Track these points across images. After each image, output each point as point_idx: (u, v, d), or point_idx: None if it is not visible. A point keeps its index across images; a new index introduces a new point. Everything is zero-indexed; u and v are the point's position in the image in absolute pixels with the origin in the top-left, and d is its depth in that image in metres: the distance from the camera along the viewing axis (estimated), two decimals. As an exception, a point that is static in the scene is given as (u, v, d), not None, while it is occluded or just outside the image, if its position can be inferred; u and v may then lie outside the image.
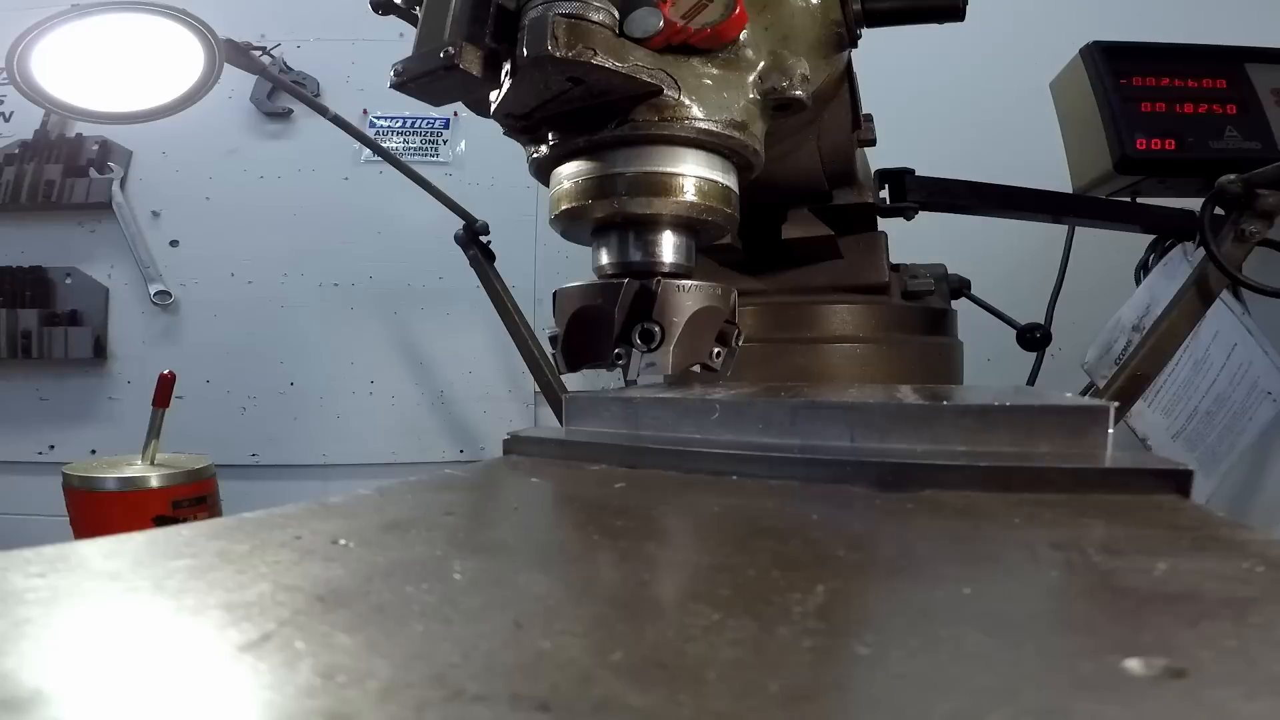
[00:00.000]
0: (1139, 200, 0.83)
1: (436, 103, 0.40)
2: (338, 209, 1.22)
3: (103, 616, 0.18)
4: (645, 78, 0.33)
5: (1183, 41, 0.79)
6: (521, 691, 0.14)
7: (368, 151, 1.13)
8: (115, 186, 1.18)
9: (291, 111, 1.20)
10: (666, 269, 0.37)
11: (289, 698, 0.13)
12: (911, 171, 0.74)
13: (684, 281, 0.36)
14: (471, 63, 0.34)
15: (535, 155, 0.38)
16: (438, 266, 1.00)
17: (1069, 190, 0.86)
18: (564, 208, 0.37)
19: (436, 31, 0.35)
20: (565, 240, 0.42)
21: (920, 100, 1.22)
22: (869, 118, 0.55)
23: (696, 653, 0.16)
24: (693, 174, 0.36)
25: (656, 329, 0.35)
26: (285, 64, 1.22)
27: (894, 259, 0.76)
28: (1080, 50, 0.81)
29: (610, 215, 0.36)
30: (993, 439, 0.31)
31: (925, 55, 1.21)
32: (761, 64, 0.38)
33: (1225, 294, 0.72)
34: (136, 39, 0.78)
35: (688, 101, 0.35)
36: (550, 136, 0.37)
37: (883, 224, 0.77)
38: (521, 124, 0.37)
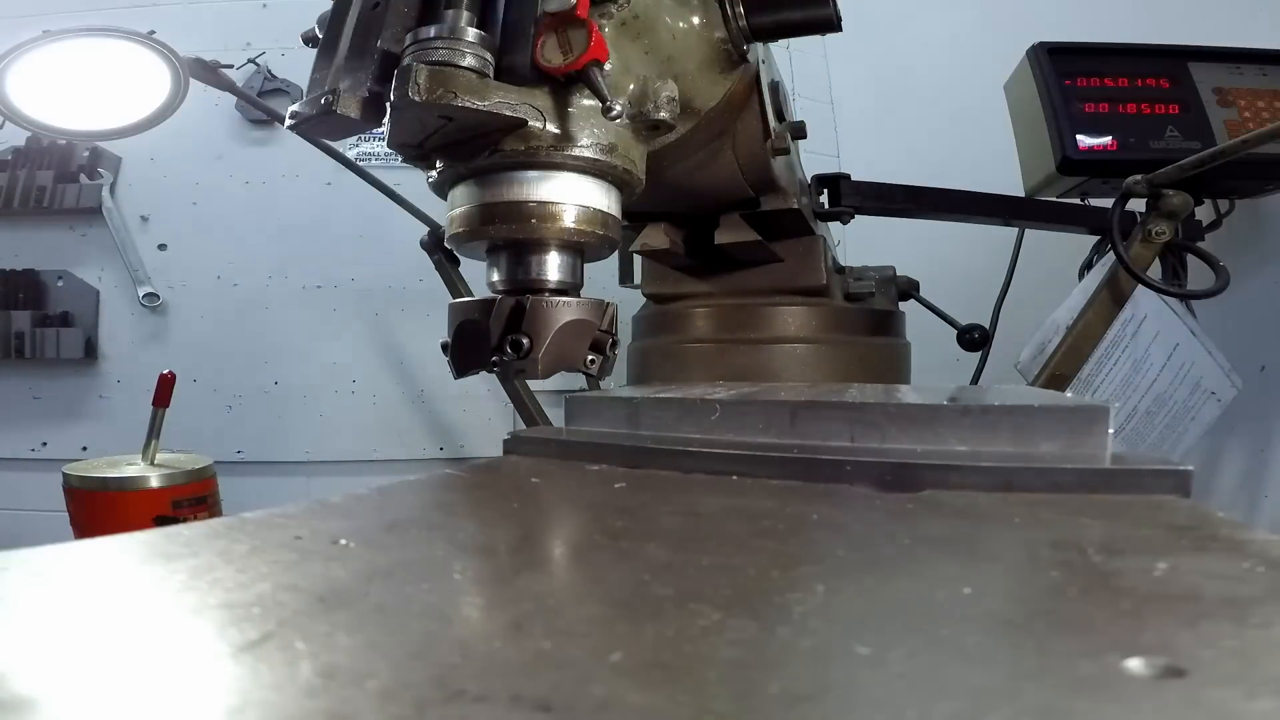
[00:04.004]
0: (1089, 201, 0.83)
1: (331, 138, 0.44)
2: (320, 213, 1.24)
3: (103, 616, 0.18)
4: (508, 112, 0.37)
5: (1132, 41, 0.79)
6: (521, 691, 0.14)
7: (349, 157, 1.14)
8: (105, 192, 1.20)
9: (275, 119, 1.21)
10: (538, 285, 0.40)
11: (289, 698, 0.13)
12: (847, 176, 0.75)
13: (553, 298, 0.40)
14: (349, 107, 0.37)
15: (430, 179, 0.42)
16: (417, 269, 1.01)
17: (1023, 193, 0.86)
18: (454, 232, 0.41)
19: (321, 79, 0.39)
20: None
21: (891, 103, 1.23)
22: (800, 124, 0.57)
23: (696, 653, 0.16)
24: (561, 198, 0.39)
25: (525, 340, 0.39)
26: (270, 72, 1.24)
27: (859, 261, 0.77)
28: (1027, 51, 0.80)
29: (490, 239, 0.40)
30: (993, 439, 0.31)
31: (897, 57, 1.22)
32: (631, 88, 0.41)
33: (1170, 296, 0.72)
34: (107, 61, 0.81)
35: (555, 129, 0.38)
36: (438, 163, 0.41)
37: (853, 227, 0.78)
38: (415, 152, 0.40)
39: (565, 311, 0.40)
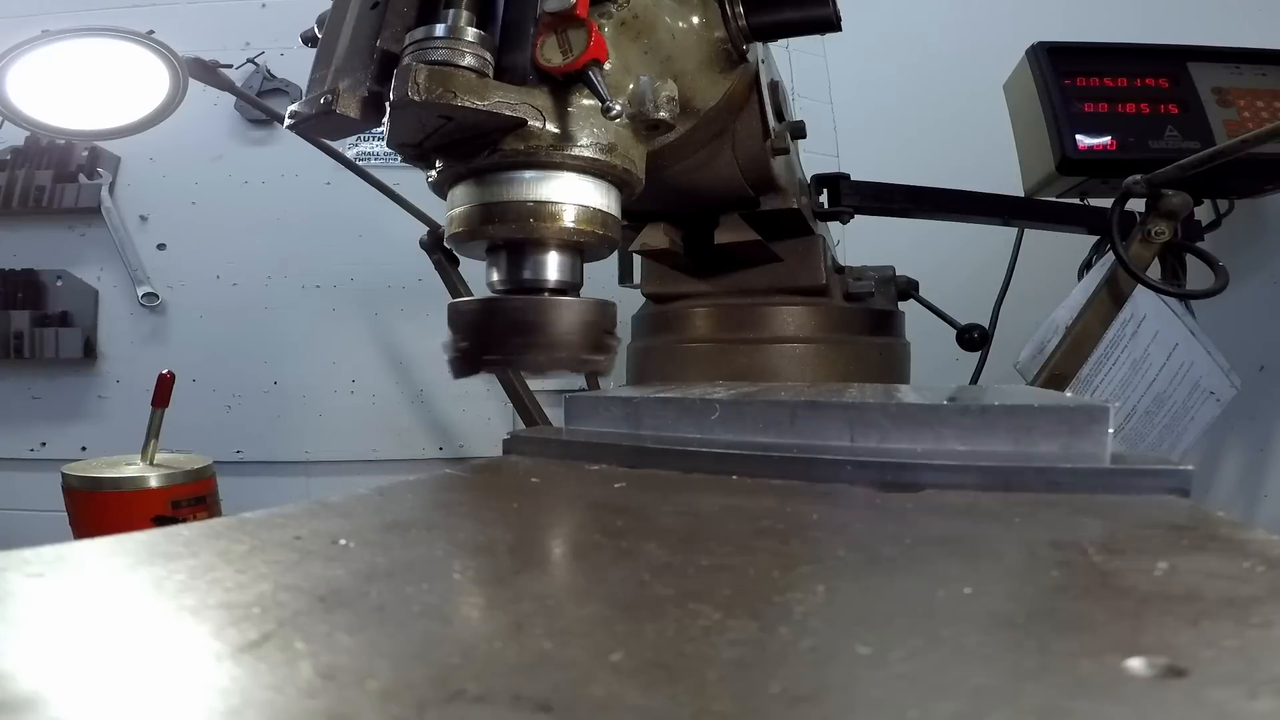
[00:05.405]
0: (1089, 201, 0.83)
1: (331, 138, 0.44)
2: (320, 213, 1.24)
3: (102, 617, 0.18)
4: (507, 112, 0.37)
5: (1132, 41, 0.79)
6: (522, 692, 0.14)
7: (349, 157, 1.14)
8: (104, 192, 1.20)
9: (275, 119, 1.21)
10: (537, 285, 0.40)
11: (289, 698, 0.13)
12: (847, 176, 0.75)
13: (534, 297, 0.40)
14: (349, 107, 0.37)
15: (429, 179, 0.42)
16: (417, 268, 1.01)
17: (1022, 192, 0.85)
18: (453, 231, 0.41)
19: (320, 79, 0.39)
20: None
21: (891, 103, 1.23)
22: (800, 124, 0.58)
23: (697, 653, 0.16)
24: (561, 198, 0.39)
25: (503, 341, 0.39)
26: (269, 72, 1.23)
27: (859, 261, 0.77)
28: (1026, 51, 0.81)
29: (490, 239, 0.40)
30: (993, 439, 0.31)
31: (897, 57, 1.22)
32: (631, 88, 0.41)
33: (1169, 296, 0.72)
34: (106, 61, 0.82)
35: (555, 129, 0.38)
36: (438, 163, 0.40)
37: (853, 227, 0.78)
38: (415, 152, 0.40)
39: (542, 311, 0.39)
